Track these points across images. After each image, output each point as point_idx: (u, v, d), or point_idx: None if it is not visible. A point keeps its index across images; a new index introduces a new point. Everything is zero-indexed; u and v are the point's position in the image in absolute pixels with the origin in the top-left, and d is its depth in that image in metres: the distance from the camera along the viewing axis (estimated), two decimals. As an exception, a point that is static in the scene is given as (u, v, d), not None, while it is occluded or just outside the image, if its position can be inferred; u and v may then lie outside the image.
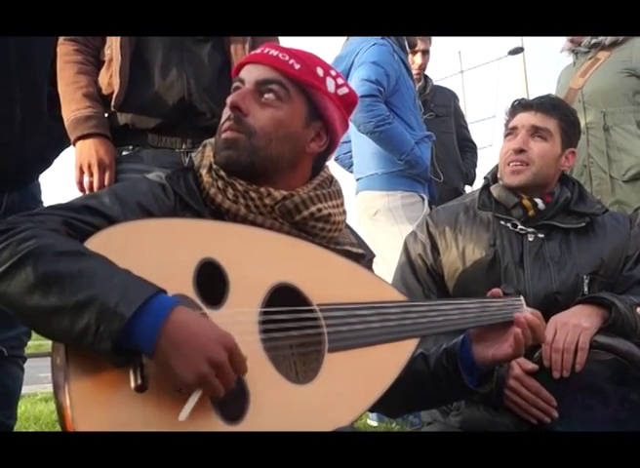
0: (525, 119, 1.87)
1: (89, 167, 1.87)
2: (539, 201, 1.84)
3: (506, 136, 1.91)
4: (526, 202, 1.84)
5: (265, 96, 1.27)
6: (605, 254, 1.81)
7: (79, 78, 1.91)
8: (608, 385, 1.64)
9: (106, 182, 1.88)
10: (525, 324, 1.35)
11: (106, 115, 1.95)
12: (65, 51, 1.94)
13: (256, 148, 1.25)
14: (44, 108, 2.01)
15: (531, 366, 1.64)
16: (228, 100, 1.28)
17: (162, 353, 0.98)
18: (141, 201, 1.20)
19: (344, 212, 1.38)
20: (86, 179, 1.89)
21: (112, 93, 1.89)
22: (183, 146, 1.91)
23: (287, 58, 1.29)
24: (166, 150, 1.91)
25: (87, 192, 1.89)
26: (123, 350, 0.97)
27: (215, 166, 1.27)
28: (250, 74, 1.29)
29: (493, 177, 1.95)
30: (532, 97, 2.02)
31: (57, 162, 2.18)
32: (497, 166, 1.96)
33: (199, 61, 1.92)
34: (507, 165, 1.86)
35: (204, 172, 1.28)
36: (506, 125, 1.94)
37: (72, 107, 1.89)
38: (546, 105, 1.87)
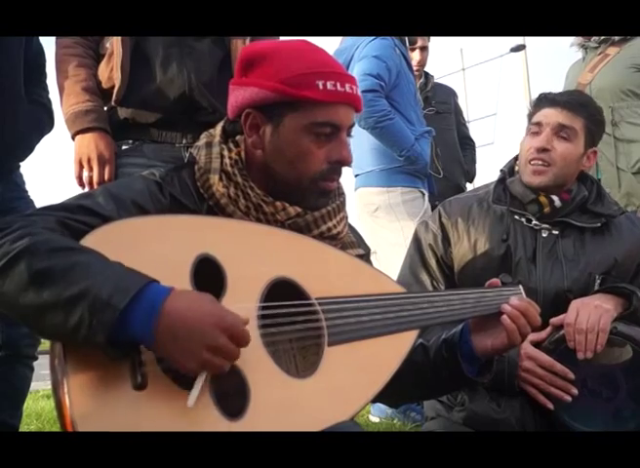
0: (550, 115, 1.80)
1: (88, 161, 1.86)
2: (555, 198, 1.80)
3: (530, 130, 1.84)
4: (542, 198, 1.81)
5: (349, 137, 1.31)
6: (619, 255, 1.79)
7: (78, 71, 1.90)
8: (620, 375, 1.63)
9: (106, 177, 1.87)
10: (512, 310, 1.34)
11: (105, 109, 1.94)
12: (64, 43, 1.92)
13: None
14: (22, 92, 1.99)
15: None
16: (343, 157, 1.27)
17: (161, 343, 0.98)
18: (137, 199, 1.19)
19: (347, 219, 1.40)
20: (85, 174, 1.88)
21: (112, 87, 1.88)
22: (184, 141, 1.91)
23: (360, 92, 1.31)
24: (166, 145, 1.91)
25: (86, 187, 1.88)
26: (118, 342, 0.96)
27: (228, 168, 1.26)
28: (346, 119, 1.29)
29: (509, 171, 1.91)
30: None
31: (55, 158, 2.18)
32: (514, 159, 1.91)
33: (200, 56, 1.91)
34: (529, 163, 1.80)
35: (215, 177, 1.26)
36: (529, 117, 1.87)
37: (71, 101, 1.88)
38: (574, 103, 1.80)
